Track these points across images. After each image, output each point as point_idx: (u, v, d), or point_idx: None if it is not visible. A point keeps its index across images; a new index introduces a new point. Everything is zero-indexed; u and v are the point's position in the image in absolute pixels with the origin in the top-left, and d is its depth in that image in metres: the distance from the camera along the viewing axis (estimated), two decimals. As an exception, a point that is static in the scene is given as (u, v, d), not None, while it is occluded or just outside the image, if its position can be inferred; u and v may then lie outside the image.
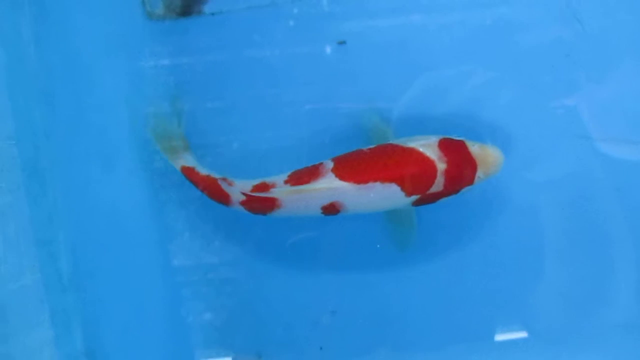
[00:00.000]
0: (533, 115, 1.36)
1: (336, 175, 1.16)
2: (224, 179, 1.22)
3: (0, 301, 1.16)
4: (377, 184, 1.15)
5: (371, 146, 1.21)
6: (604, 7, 1.34)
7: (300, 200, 1.17)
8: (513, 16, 1.33)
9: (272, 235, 1.39)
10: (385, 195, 1.16)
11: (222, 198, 1.23)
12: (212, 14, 1.36)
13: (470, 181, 1.19)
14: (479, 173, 1.19)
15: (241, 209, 1.22)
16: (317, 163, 1.20)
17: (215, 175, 1.24)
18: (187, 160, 1.28)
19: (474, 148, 1.19)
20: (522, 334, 1.41)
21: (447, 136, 1.21)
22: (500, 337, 1.41)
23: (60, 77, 1.38)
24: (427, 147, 1.17)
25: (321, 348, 1.42)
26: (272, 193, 1.17)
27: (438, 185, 1.17)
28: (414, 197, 1.17)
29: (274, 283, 1.41)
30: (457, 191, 1.20)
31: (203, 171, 1.25)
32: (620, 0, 1.33)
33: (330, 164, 1.18)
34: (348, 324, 1.41)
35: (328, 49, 1.34)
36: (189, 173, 1.26)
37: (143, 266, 1.42)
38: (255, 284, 1.42)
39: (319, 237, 1.39)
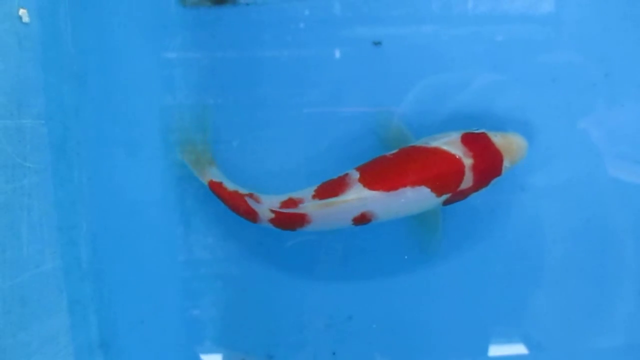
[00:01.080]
0: (548, 134, 1.35)
1: (364, 185, 1.15)
2: (251, 195, 1.21)
3: (19, 286, 1.11)
4: (407, 189, 1.14)
5: (393, 151, 1.20)
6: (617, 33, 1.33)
7: (330, 214, 1.15)
8: (526, 34, 1.32)
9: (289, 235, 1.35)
10: (416, 198, 1.15)
11: (249, 215, 1.22)
12: (247, 4, 1.34)
13: (499, 172, 1.19)
14: (506, 162, 1.19)
15: (269, 226, 1.21)
16: (341, 174, 1.19)
17: (242, 191, 1.23)
18: (215, 174, 1.27)
19: (497, 138, 1.19)
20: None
21: (468, 130, 1.20)
22: (511, 351, 1.41)
23: (93, 59, 1.36)
24: (451, 144, 1.17)
25: (334, 353, 1.41)
26: (302, 209, 1.15)
27: (467, 181, 1.17)
28: (444, 197, 1.17)
29: (290, 284, 1.41)
30: (486, 184, 1.20)
31: (231, 187, 1.24)
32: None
33: (356, 174, 1.17)
34: (362, 329, 1.40)
35: (337, 53, 1.33)
36: (216, 188, 1.25)
37: (160, 257, 1.41)
38: (270, 284, 1.41)
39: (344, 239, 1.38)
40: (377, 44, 1.33)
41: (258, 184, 1.27)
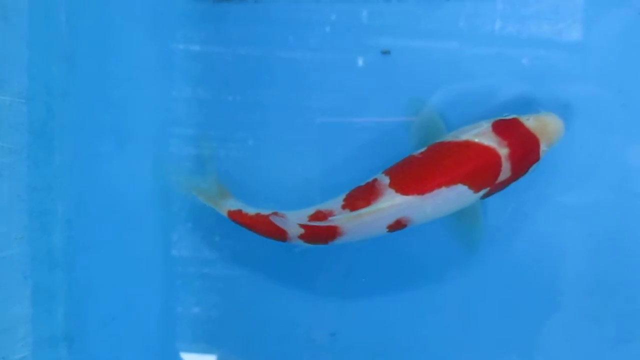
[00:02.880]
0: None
1: (396, 191, 1.10)
2: (275, 214, 1.16)
3: (-21, 270, 1.06)
4: (443, 189, 1.09)
5: (421, 150, 1.15)
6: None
7: (364, 224, 1.10)
8: (550, 60, 1.29)
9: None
10: (453, 197, 1.10)
11: (277, 235, 1.17)
12: (256, 1, 1.33)
13: (537, 157, 1.14)
14: (543, 146, 1.13)
15: (300, 242, 1.15)
16: (370, 180, 1.14)
17: (264, 212, 1.18)
18: (232, 204, 1.22)
19: (530, 122, 1.13)
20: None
21: (498, 118, 1.15)
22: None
23: (86, 42, 1.34)
24: (482, 135, 1.11)
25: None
26: (332, 221, 1.10)
27: (505, 172, 1.12)
28: (483, 192, 1.12)
29: (274, 292, 1.37)
30: (525, 172, 1.15)
31: (251, 211, 1.19)
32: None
33: (386, 179, 1.12)
34: (346, 347, 1.36)
35: (360, 61, 1.31)
36: (236, 217, 1.20)
37: (139, 253, 1.38)
38: (256, 289, 1.38)
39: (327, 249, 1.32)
40: (385, 52, 1.30)
41: (273, 189, 1.26)
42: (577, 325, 1.33)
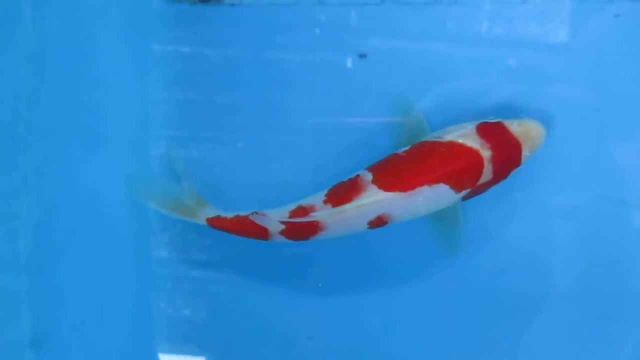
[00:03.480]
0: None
1: (379, 187, 1.10)
2: (255, 213, 1.14)
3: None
4: (425, 188, 1.09)
5: (405, 148, 1.15)
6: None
7: (345, 220, 1.10)
8: (537, 61, 1.28)
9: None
10: (434, 197, 1.11)
11: (259, 234, 1.15)
12: (232, 4, 1.32)
13: (518, 162, 1.15)
14: (525, 151, 1.15)
15: (282, 238, 1.15)
16: (353, 176, 1.14)
17: (242, 213, 1.17)
18: (209, 212, 1.21)
19: (514, 126, 1.15)
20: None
21: (483, 120, 1.16)
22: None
23: (56, 43, 1.32)
24: (467, 136, 1.12)
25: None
26: (314, 217, 1.10)
27: (487, 174, 1.12)
28: (464, 192, 1.13)
29: (251, 295, 1.36)
30: (506, 176, 1.16)
31: (229, 214, 1.18)
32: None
33: (368, 176, 1.12)
34: (323, 350, 1.35)
35: (349, 62, 1.31)
36: (215, 223, 1.19)
37: (111, 257, 1.36)
38: (232, 292, 1.37)
39: (314, 254, 1.33)
40: (362, 56, 1.29)
41: (263, 191, 1.25)
42: (558, 329, 1.32)
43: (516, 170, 1.16)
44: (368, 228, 1.12)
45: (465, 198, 1.15)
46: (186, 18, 1.33)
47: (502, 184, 1.18)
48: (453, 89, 1.28)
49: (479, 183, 1.12)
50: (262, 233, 1.15)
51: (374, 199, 1.09)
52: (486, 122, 1.15)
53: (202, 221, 1.19)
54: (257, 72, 1.33)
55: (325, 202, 1.12)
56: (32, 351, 1.31)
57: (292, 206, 1.14)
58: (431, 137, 1.15)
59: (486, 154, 1.11)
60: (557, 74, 1.27)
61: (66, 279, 1.34)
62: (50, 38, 1.30)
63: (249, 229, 1.16)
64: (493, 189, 1.19)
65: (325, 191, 1.14)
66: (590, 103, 1.28)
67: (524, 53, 1.27)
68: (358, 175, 1.13)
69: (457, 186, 1.11)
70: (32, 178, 1.29)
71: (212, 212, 1.20)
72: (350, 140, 1.30)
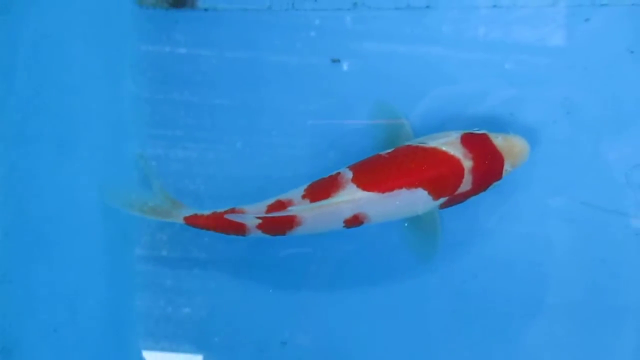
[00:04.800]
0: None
1: (358, 186, 1.10)
2: (232, 210, 1.15)
3: None
4: (403, 191, 1.10)
5: (389, 150, 1.16)
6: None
7: (321, 215, 1.11)
8: (533, 65, 1.29)
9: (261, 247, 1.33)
10: (412, 201, 1.11)
11: (237, 230, 1.16)
12: (206, 9, 1.33)
13: (499, 176, 1.16)
14: (507, 166, 1.16)
15: (259, 233, 1.16)
16: (333, 173, 1.15)
17: (220, 210, 1.17)
18: (185, 211, 1.20)
19: (498, 140, 1.16)
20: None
21: (468, 131, 1.16)
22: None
23: (26, 49, 1.30)
24: (450, 145, 1.13)
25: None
26: (291, 211, 1.11)
27: (466, 184, 1.13)
28: (441, 200, 1.14)
29: (224, 301, 1.36)
30: (485, 188, 1.17)
31: (206, 212, 1.18)
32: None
33: (349, 174, 1.12)
34: (297, 356, 1.34)
35: (345, 65, 1.31)
36: (193, 221, 1.18)
37: (82, 263, 1.33)
38: (204, 297, 1.36)
39: (311, 255, 1.33)
40: (335, 61, 1.30)
41: (260, 191, 1.22)
42: (556, 332, 1.31)
43: (496, 183, 1.17)
44: (344, 227, 1.13)
45: (442, 206, 1.16)
46: (160, 23, 1.33)
47: (502, 184, 1.19)
48: (449, 93, 1.29)
49: (457, 192, 1.13)
50: (240, 229, 1.15)
51: (351, 197, 1.10)
52: (471, 133, 1.16)
53: (180, 220, 1.19)
54: (229, 76, 1.33)
55: (304, 197, 1.13)
56: (2, 358, 1.30)
57: (271, 200, 1.15)
58: (415, 142, 1.16)
59: (467, 163, 1.12)
60: (553, 78, 1.28)
61: (37, 286, 1.31)
62: (20, 44, 1.28)
63: (226, 225, 1.16)
64: (487, 193, 1.19)
65: (305, 186, 1.15)
66: (587, 107, 1.28)
67: (520, 57, 1.29)
68: (339, 173, 1.14)
69: (435, 192, 1.12)
70: (1, 185, 1.28)
71: (188, 211, 1.20)
72: (348, 142, 1.31)
